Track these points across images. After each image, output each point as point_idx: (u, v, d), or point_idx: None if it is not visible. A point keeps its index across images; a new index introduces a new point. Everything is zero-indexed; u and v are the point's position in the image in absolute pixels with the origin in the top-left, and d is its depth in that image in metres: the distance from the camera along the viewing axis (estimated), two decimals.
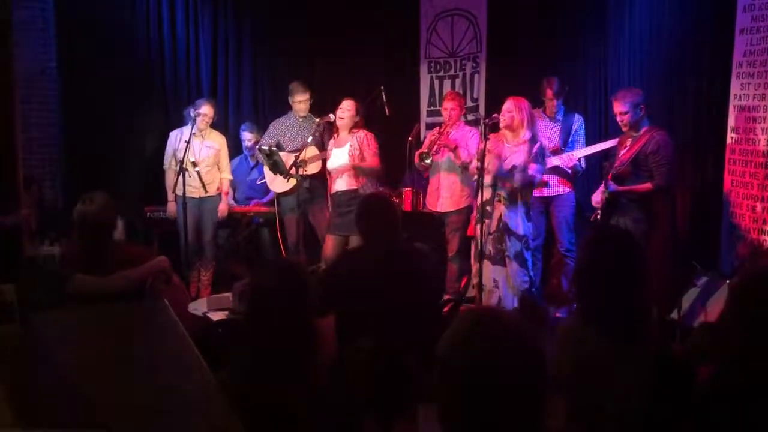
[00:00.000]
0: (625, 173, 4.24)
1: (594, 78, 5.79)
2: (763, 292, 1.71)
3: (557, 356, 2.00)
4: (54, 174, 6.05)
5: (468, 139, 4.97)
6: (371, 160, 4.79)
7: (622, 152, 4.35)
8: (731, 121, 4.54)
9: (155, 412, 1.66)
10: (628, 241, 2.12)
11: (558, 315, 4.88)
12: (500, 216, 4.46)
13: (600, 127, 5.63)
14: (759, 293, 1.72)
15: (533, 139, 4.46)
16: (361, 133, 4.82)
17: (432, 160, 4.94)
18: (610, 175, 4.26)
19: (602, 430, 1.91)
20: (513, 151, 4.46)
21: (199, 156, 5.26)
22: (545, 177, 4.86)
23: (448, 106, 5.05)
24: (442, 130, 5.03)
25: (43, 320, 1.79)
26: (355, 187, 4.78)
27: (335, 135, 4.92)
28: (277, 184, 5.29)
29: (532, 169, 4.40)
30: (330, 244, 4.83)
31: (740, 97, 4.46)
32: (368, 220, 3.07)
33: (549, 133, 5.00)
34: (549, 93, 5.03)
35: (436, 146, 4.93)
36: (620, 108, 4.27)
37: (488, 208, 4.52)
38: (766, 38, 4.26)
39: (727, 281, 3.77)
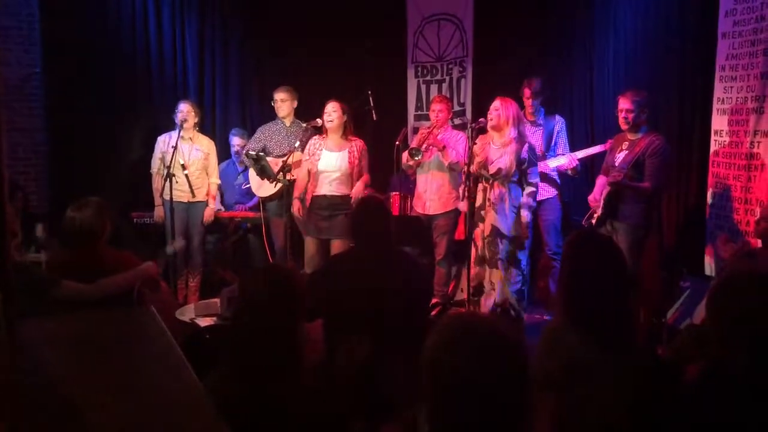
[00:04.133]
0: (628, 177, 4.19)
1: (580, 83, 5.84)
2: (740, 294, 1.74)
3: (541, 357, 2.02)
4: (39, 179, 6.02)
5: (455, 141, 4.99)
6: (365, 174, 4.86)
7: (621, 155, 4.30)
8: (714, 125, 4.58)
9: (142, 419, 1.65)
10: (608, 245, 2.14)
11: (546, 318, 4.91)
12: (492, 221, 4.47)
13: (586, 131, 5.68)
14: (736, 295, 1.74)
15: (520, 139, 4.44)
16: (360, 143, 4.86)
17: (422, 157, 4.95)
18: (611, 177, 4.26)
19: (588, 431, 1.92)
20: (499, 153, 4.46)
21: (189, 159, 5.23)
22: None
23: (436, 108, 5.06)
24: (430, 130, 5.02)
25: (30, 327, 1.79)
26: (344, 193, 4.78)
27: (323, 136, 4.90)
28: (264, 189, 5.27)
29: (531, 175, 4.47)
30: (311, 247, 4.82)
31: (723, 100, 4.50)
32: (365, 223, 3.06)
33: (531, 137, 4.97)
34: (527, 92, 5.02)
35: (425, 144, 4.94)
36: (626, 105, 4.26)
37: (482, 212, 4.54)
38: (748, 42, 4.31)
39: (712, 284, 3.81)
